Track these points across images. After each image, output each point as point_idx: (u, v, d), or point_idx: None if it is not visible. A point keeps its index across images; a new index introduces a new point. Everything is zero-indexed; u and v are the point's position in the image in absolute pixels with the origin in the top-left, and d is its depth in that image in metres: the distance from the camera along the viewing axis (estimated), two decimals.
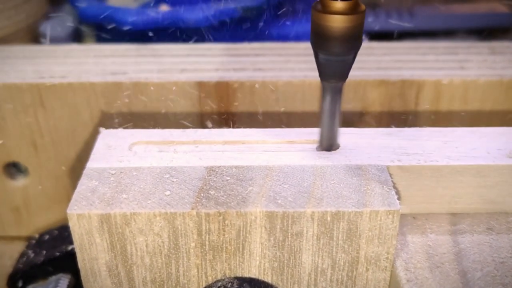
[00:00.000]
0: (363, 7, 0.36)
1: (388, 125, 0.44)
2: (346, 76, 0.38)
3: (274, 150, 0.41)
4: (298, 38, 0.71)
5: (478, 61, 0.58)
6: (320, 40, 0.36)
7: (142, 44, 0.62)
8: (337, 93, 0.39)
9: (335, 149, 0.41)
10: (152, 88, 0.53)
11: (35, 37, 0.74)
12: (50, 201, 0.58)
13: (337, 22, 0.35)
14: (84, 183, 0.37)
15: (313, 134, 0.42)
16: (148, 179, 0.37)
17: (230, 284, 0.37)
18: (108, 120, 0.53)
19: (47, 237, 0.50)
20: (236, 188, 0.36)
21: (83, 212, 0.35)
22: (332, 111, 0.39)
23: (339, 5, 0.35)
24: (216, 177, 0.37)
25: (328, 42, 0.36)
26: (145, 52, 0.60)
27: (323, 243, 0.36)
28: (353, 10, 0.35)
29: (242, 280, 0.37)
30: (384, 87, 0.54)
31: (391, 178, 0.38)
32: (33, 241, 0.50)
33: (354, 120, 0.55)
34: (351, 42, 0.36)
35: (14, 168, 0.58)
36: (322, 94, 0.39)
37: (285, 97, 0.54)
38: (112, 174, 0.38)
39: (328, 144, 0.40)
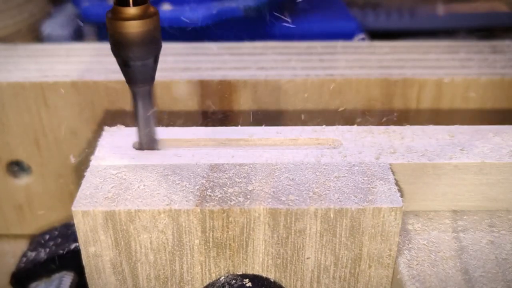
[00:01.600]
0: (155, 10, 0.36)
1: (390, 123, 0.44)
2: (152, 79, 0.38)
3: (277, 148, 0.42)
4: (300, 37, 0.71)
5: (479, 60, 0.58)
6: (118, 47, 0.37)
7: None
8: (147, 96, 0.39)
9: (156, 149, 0.41)
10: (154, 86, 0.53)
11: (38, 36, 0.74)
12: (53, 199, 0.58)
13: (133, 28, 0.35)
14: (89, 181, 0.37)
15: (316, 132, 0.42)
16: (152, 177, 0.38)
17: (233, 281, 0.38)
18: (111, 118, 0.54)
19: (50, 235, 0.50)
20: (240, 186, 0.37)
21: (88, 209, 0.35)
22: (146, 114, 0.39)
23: (131, 11, 0.35)
24: (220, 175, 0.38)
25: (126, 48, 0.36)
26: None
27: (326, 240, 0.36)
28: (144, 14, 0.36)
29: (245, 277, 0.38)
30: (386, 85, 0.54)
31: (394, 175, 0.38)
32: (36, 239, 0.50)
33: (356, 118, 0.55)
34: (148, 46, 0.36)
35: (17, 167, 0.58)
36: (133, 99, 0.39)
37: (287, 95, 0.54)
38: (116, 172, 0.38)
39: (148, 144, 0.41)
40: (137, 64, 0.37)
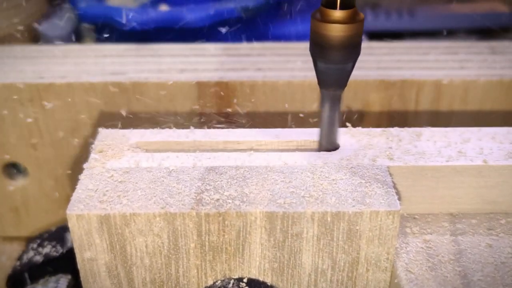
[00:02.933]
0: (361, 15, 0.36)
1: (388, 125, 0.44)
2: (345, 84, 0.38)
3: (274, 150, 0.41)
4: (298, 38, 0.71)
5: (478, 61, 0.58)
6: (319, 49, 0.36)
7: (142, 44, 0.62)
8: (336, 101, 0.39)
9: (334, 150, 0.41)
10: (151, 88, 0.53)
11: (34, 37, 0.74)
12: (49, 201, 0.58)
13: (336, 31, 0.35)
14: (84, 184, 0.37)
15: (312, 134, 0.42)
16: (147, 180, 0.37)
17: (230, 285, 0.37)
18: (108, 120, 0.53)
19: (46, 237, 0.50)
20: (236, 189, 0.36)
21: (83, 213, 0.35)
22: (331, 118, 0.39)
23: (338, 14, 0.35)
24: (216, 178, 0.37)
25: (327, 51, 0.36)
26: (145, 52, 0.60)
27: (323, 244, 0.36)
28: (352, 19, 0.35)
29: (241, 281, 0.37)
30: (384, 87, 0.54)
31: (392, 178, 0.38)
32: (32, 242, 0.50)
33: (355, 120, 0.55)
34: (350, 51, 0.36)
35: (13, 169, 0.57)
36: (321, 101, 0.39)
37: (285, 97, 0.54)
38: (112, 175, 0.38)
39: (328, 147, 0.41)
40: (335, 67, 0.37)
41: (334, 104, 0.39)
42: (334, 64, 0.36)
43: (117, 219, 0.35)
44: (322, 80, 0.38)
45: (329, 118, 0.39)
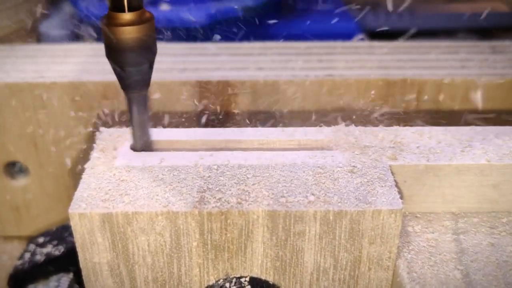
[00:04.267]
0: (150, 15, 0.36)
1: (390, 124, 0.44)
2: (147, 85, 0.38)
3: (276, 149, 0.41)
4: (298, 37, 0.71)
5: (479, 61, 0.58)
6: (112, 53, 0.36)
7: None
8: (142, 102, 0.39)
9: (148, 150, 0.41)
10: (152, 87, 0.53)
11: (35, 37, 0.74)
12: (50, 200, 0.58)
13: (127, 33, 0.35)
14: (86, 183, 0.37)
15: (315, 132, 0.42)
16: (149, 179, 0.37)
17: (232, 283, 0.37)
18: (109, 120, 0.53)
19: (47, 236, 0.50)
20: (238, 187, 0.36)
21: (85, 212, 0.34)
22: (141, 119, 0.39)
23: (126, 17, 0.35)
24: (218, 176, 0.37)
25: (119, 54, 0.36)
26: None
27: (325, 243, 0.36)
28: (140, 19, 0.35)
29: (244, 279, 0.37)
30: (385, 86, 0.54)
31: (394, 177, 0.38)
32: (34, 241, 0.50)
33: (356, 119, 0.55)
34: (144, 51, 0.36)
35: (14, 168, 0.57)
36: (127, 105, 0.39)
37: (286, 96, 0.54)
38: (114, 174, 0.38)
39: (143, 147, 0.40)
40: (131, 70, 0.36)
41: (140, 105, 0.38)
42: (130, 67, 0.36)
43: (119, 218, 0.35)
44: (123, 83, 0.38)
45: (138, 119, 0.39)
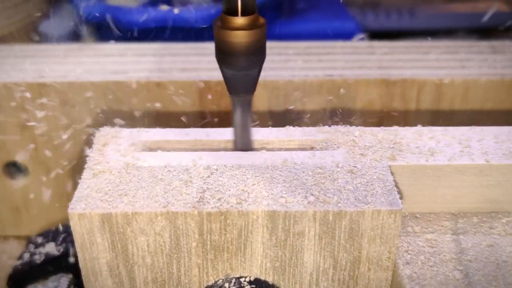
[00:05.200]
0: (263, 20, 0.36)
1: (389, 124, 0.44)
2: (253, 89, 0.38)
3: (276, 149, 0.41)
4: (298, 37, 0.71)
5: (479, 60, 0.58)
6: (223, 56, 0.36)
7: (142, 43, 0.62)
8: (247, 105, 0.39)
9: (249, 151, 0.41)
10: (152, 87, 0.53)
11: (35, 37, 0.74)
12: (50, 200, 0.58)
13: (239, 38, 0.35)
14: (85, 183, 0.37)
15: (314, 133, 0.42)
16: (149, 179, 0.37)
17: (231, 283, 0.37)
18: (109, 119, 0.53)
19: (47, 237, 0.50)
20: (238, 188, 0.36)
21: (84, 212, 0.34)
22: (244, 122, 0.39)
23: (239, 21, 0.35)
24: (217, 176, 0.37)
25: (231, 58, 0.36)
26: (145, 51, 0.60)
27: (325, 243, 0.36)
28: (253, 25, 0.35)
29: (243, 280, 0.37)
30: (385, 86, 0.54)
31: (393, 177, 0.38)
32: (33, 241, 0.50)
33: (355, 119, 0.55)
34: (254, 57, 0.36)
35: (14, 168, 0.57)
36: (232, 107, 0.39)
37: (285, 96, 0.54)
38: (113, 174, 0.38)
39: (243, 148, 0.41)
40: (240, 74, 0.37)
41: (245, 108, 0.39)
42: (239, 71, 0.36)
43: (119, 218, 0.35)
44: (230, 86, 0.38)
45: (241, 121, 0.39)
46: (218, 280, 0.37)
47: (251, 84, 0.38)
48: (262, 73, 0.54)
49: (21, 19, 0.71)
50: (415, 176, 0.39)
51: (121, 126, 0.43)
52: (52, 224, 0.57)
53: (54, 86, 0.53)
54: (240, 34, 0.35)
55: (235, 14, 0.35)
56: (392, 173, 0.38)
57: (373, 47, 0.61)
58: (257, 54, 0.36)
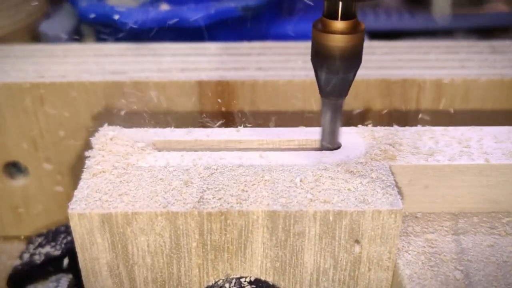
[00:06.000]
0: (362, 26, 0.36)
1: (389, 124, 0.44)
2: (346, 93, 0.38)
3: (276, 149, 0.41)
4: (298, 37, 0.71)
5: (479, 60, 0.58)
6: (320, 59, 0.36)
7: (142, 43, 0.61)
8: (337, 109, 0.39)
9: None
10: (152, 87, 0.53)
11: (35, 37, 0.74)
12: (49, 201, 0.58)
13: (338, 42, 0.35)
14: (85, 183, 0.37)
15: (314, 133, 0.42)
16: (149, 179, 0.37)
17: (232, 284, 0.37)
18: (108, 120, 0.53)
19: (47, 237, 0.50)
20: (238, 188, 0.36)
21: (84, 212, 0.34)
22: (333, 124, 0.39)
23: (339, 25, 0.35)
24: (218, 177, 0.37)
25: (328, 61, 0.36)
26: (145, 51, 0.60)
27: (325, 243, 0.36)
28: (353, 29, 0.35)
29: (244, 280, 0.37)
30: (385, 86, 0.54)
31: (394, 177, 0.38)
32: (33, 241, 0.50)
33: (356, 119, 0.55)
34: (351, 61, 0.36)
35: (14, 168, 0.57)
36: (322, 109, 0.39)
37: (285, 96, 0.54)
38: (113, 174, 0.38)
39: (329, 148, 0.41)
40: (335, 78, 0.37)
41: (335, 111, 0.39)
42: (335, 74, 0.36)
43: (119, 218, 0.35)
44: (324, 89, 0.38)
45: (330, 124, 0.39)
46: (218, 281, 0.37)
47: (344, 88, 0.38)
48: (262, 73, 0.55)
49: (21, 19, 0.71)
50: (415, 176, 0.39)
51: (121, 126, 0.43)
52: (52, 224, 0.57)
53: (54, 86, 0.52)
54: (339, 38, 0.35)
55: (335, 18, 0.35)
56: (392, 173, 0.38)
57: (373, 47, 0.61)
58: (354, 59, 0.36)
